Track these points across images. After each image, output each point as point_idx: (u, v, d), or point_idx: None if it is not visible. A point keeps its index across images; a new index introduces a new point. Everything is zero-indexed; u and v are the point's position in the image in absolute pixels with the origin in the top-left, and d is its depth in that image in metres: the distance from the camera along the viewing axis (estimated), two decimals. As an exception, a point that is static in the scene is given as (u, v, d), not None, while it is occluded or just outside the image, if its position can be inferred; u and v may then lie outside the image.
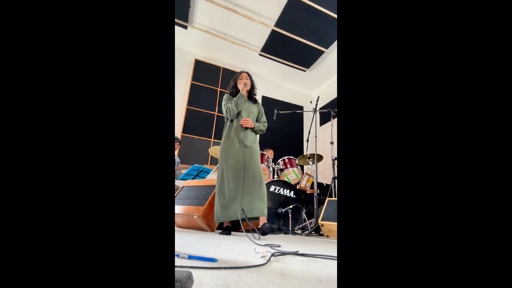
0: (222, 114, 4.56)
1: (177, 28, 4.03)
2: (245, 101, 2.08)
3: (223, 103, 2.05)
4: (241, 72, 2.14)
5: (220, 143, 2.02)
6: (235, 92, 2.11)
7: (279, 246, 1.18)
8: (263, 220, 1.74)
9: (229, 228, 1.87)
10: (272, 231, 1.64)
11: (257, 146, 2.01)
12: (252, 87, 2.13)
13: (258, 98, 3.99)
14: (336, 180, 2.90)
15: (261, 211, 1.72)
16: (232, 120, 2.03)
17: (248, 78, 2.11)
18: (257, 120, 2.14)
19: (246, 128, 1.99)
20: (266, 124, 2.15)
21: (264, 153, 2.99)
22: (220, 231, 1.89)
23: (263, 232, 1.64)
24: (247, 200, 1.73)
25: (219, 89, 4.65)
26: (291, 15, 3.60)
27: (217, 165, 2.06)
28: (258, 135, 2.11)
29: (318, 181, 2.80)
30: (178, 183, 3.25)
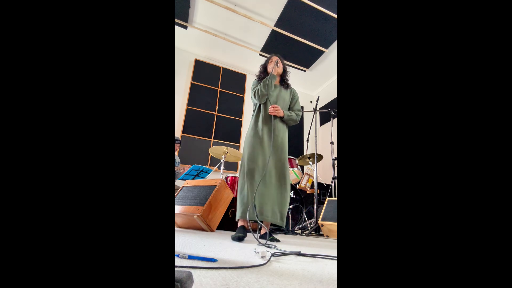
0: (223, 114, 4.57)
1: (177, 28, 4.03)
2: (276, 86, 1.83)
3: (251, 87, 1.81)
4: (271, 56, 1.87)
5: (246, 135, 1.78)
6: (264, 76, 1.85)
7: (275, 246, 1.18)
8: (267, 226, 1.53)
9: (244, 230, 1.50)
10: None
11: (285, 139, 1.75)
12: (285, 70, 1.87)
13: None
14: (336, 180, 2.91)
15: (275, 215, 1.53)
16: (260, 107, 1.77)
17: (280, 61, 1.83)
18: (289, 108, 1.85)
19: (276, 118, 1.71)
20: (300, 113, 1.85)
21: None
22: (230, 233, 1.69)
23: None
24: (260, 202, 1.53)
25: (219, 89, 4.65)
26: (291, 15, 3.60)
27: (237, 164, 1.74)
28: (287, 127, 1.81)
29: (318, 181, 2.80)
30: (178, 183, 3.25)
